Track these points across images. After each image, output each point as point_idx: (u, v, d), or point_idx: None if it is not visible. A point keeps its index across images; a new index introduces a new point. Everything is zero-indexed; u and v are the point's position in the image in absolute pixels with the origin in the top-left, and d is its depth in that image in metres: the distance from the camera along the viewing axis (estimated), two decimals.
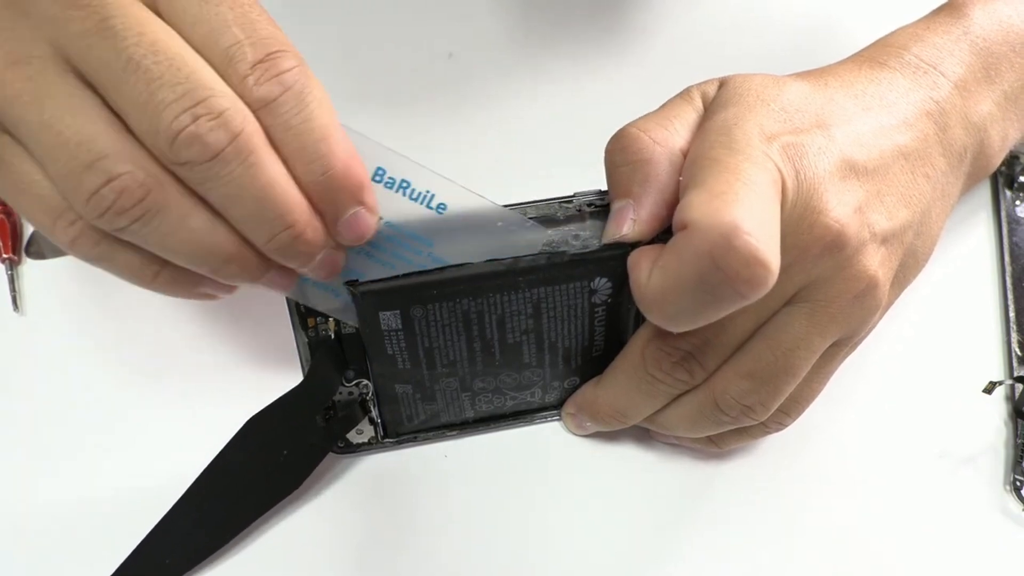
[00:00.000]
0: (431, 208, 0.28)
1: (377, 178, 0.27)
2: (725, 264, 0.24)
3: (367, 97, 0.40)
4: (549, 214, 0.29)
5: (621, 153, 0.28)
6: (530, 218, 0.29)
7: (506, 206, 0.29)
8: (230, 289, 0.27)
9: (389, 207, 0.27)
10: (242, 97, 0.23)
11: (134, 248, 0.25)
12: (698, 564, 0.34)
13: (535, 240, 0.29)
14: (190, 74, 0.22)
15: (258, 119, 0.23)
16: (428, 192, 0.28)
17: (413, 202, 0.28)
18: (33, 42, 0.23)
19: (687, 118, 0.29)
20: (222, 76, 0.23)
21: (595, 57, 0.42)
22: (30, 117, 0.23)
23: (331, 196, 0.25)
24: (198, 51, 0.23)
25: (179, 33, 0.23)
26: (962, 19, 0.34)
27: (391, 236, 0.28)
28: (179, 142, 0.22)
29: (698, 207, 0.25)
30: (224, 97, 0.23)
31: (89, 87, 0.23)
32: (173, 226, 0.24)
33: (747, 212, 0.25)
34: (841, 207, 0.28)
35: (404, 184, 0.27)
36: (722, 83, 0.30)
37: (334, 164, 0.24)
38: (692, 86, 0.30)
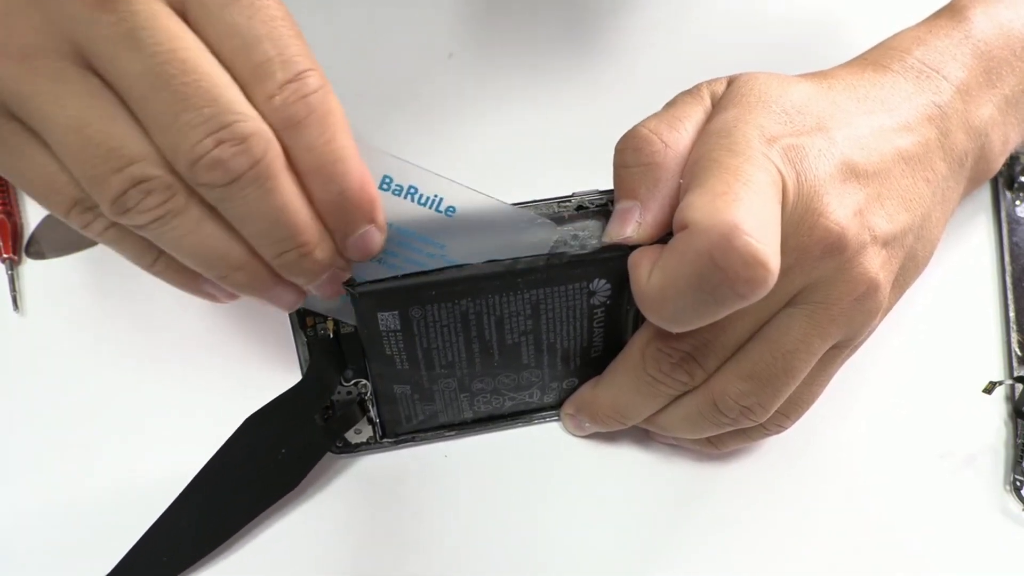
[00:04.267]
0: (440, 212, 0.28)
1: (384, 186, 0.27)
2: (725, 264, 0.24)
3: (366, 97, 0.40)
4: (548, 214, 0.29)
5: (633, 154, 0.28)
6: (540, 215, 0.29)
7: (513, 205, 0.29)
8: (232, 296, 0.27)
9: (398, 213, 0.28)
10: (266, 114, 0.23)
11: (139, 237, 0.25)
12: (698, 564, 0.34)
13: (546, 237, 0.29)
14: (218, 96, 0.22)
15: (279, 137, 0.23)
16: (436, 196, 0.28)
17: (421, 207, 0.28)
18: (49, 35, 0.22)
19: (696, 118, 0.29)
20: (247, 91, 0.23)
21: (595, 57, 0.42)
22: (52, 115, 0.23)
23: (344, 215, 0.25)
24: (225, 64, 0.23)
25: (207, 43, 0.23)
26: (963, 22, 0.34)
27: (402, 241, 0.28)
28: (200, 165, 0.22)
29: (699, 207, 0.25)
30: (249, 121, 0.23)
31: (107, 86, 0.23)
32: (188, 229, 0.24)
33: (747, 213, 0.24)
34: (841, 209, 0.28)
35: (412, 190, 0.28)
36: (730, 81, 0.30)
37: (350, 185, 0.25)
38: (702, 83, 0.30)
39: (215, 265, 0.25)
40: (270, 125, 0.23)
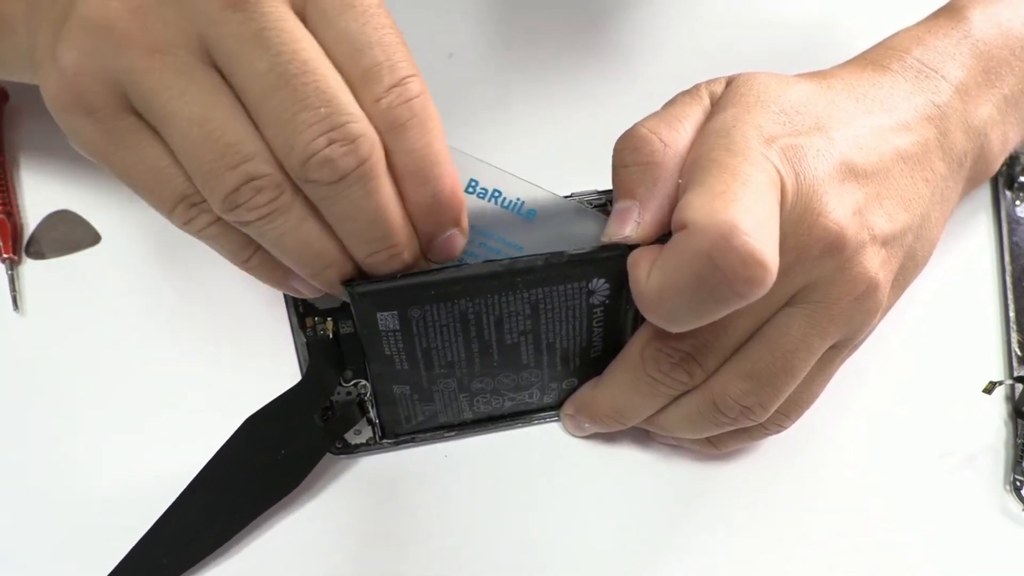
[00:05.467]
0: (521, 215, 0.29)
1: (470, 189, 0.28)
2: (723, 264, 0.24)
3: None
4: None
5: (632, 154, 0.28)
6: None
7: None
8: (318, 291, 0.28)
9: (481, 215, 0.28)
10: (371, 116, 0.24)
11: (238, 233, 0.26)
12: (698, 564, 0.33)
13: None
14: (332, 97, 0.23)
15: (381, 139, 0.24)
16: (518, 199, 0.29)
17: (505, 210, 0.29)
18: (179, 30, 0.23)
19: (695, 118, 0.29)
20: (355, 93, 0.24)
21: (596, 57, 0.42)
22: (176, 109, 0.23)
23: (434, 217, 0.26)
24: (336, 66, 0.24)
25: (321, 45, 0.24)
26: (962, 22, 0.34)
27: (483, 243, 0.29)
28: (312, 163, 0.23)
29: (697, 207, 0.25)
30: (359, 123, 0.23)
31: (227, 83, 0.23)
32: (290, 227, 0.25)
33: (745, 212, 0.25)
34: (840, 209, 0.28)
35: (496, 193, 0.29)
36: (729, 81, 0.30)
37: (443, 188, 0.26)
38: (701, 84, 0.30)
39: (310, 263, 0.26)
40: (374, 127, 0.24)
